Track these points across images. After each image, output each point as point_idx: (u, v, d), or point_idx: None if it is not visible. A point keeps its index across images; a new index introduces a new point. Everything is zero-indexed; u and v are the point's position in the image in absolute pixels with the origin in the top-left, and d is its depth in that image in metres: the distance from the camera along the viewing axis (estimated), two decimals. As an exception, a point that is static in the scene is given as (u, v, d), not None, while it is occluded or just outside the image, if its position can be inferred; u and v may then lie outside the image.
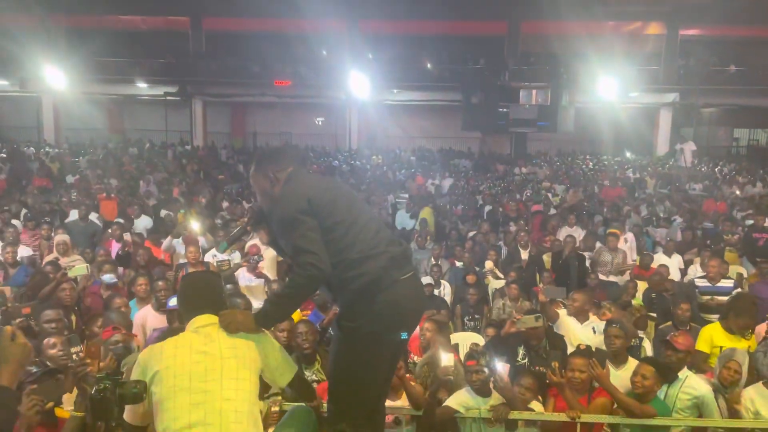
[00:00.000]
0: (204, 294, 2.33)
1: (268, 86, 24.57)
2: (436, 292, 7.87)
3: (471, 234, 11.02)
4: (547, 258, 9.21)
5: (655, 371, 3.99)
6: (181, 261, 7.16)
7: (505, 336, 4.97)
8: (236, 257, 6.73)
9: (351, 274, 2.37)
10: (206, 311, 2.27)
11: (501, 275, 8.66)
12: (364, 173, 19.66)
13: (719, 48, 26.43)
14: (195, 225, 7.71)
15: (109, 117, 28.05)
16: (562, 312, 5.86)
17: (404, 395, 4.02)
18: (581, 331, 5.52)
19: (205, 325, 2.22)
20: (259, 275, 6.88)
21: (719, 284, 6.77)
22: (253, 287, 6.67)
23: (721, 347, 4.83)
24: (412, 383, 3.99)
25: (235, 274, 6.75)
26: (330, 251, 2.37)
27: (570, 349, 4.80)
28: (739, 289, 6.96)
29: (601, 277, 8.55)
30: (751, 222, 10.58)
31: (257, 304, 6.02)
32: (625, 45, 24.91)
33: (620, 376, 4.37)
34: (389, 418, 3.96)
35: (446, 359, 3.90)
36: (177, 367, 2.09)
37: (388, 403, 3.94)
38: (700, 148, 24.43)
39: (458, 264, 9.10)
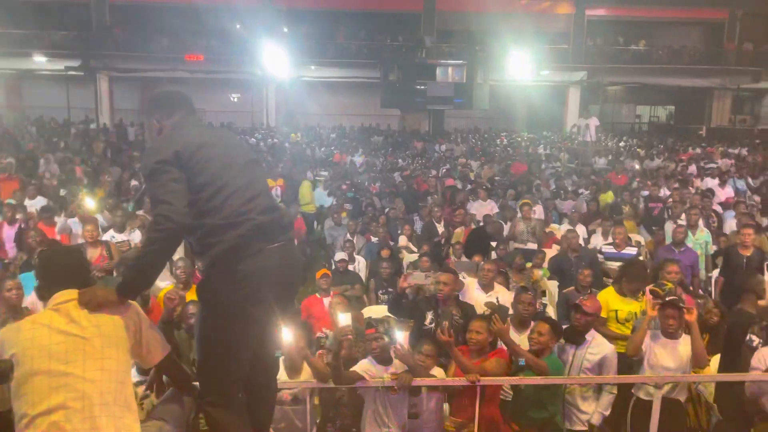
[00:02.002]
0: (64, 269, 2.18)
1: (178, 61, 23.57)
2: (350, 267, 7.89)
3: (387, 210, 11.16)
4: (459, 231, 9.42)
5: (550, 328, 4.18)
6: (80, 241, 6.79)
7: (414, 300, 5.07)
8: (136, 237, 6.43)
9: (211, 240, 2.25)
10: (68, 287, 2.13)
11: (415, 249, 8.78)
12: (282, 151, 19.37)
13: (624, 28, 27.73)
14: (90, 203, 7.30)
15: (6, 93, 26.10)
16: (469, 281, 6.03)
17: (304, 373, 4.01)
18: (486, 301, 5.70)
19: (66, 301, 2.08)
20: None
21: (624, 251, 7.16)
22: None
23: (616, 311, 5.12)
24: (314, 359, 4.00)
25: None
26: (193, 213, 2.24)
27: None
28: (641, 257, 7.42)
29: (518, 245, 8.84)
30: (647, 193, 11.22)
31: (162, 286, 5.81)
32: (537, 24, 25.64)
33: (523, 340, 4.57)
34: (286, 396, 3.94)
35: (343, 319, 3.91)
36: (35, 349, 1.95)
37: (286, 380, 3.91)
38: (605, 124, 25.67)
39: (374, 239, 9.15)
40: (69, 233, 7.28)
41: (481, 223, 9.33)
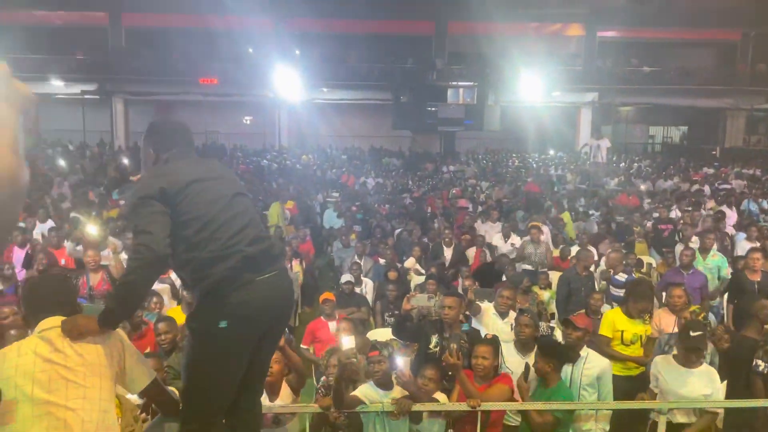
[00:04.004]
0: (48, 295, 2.19)
1: (193, 84, 23.93)
2: (357, 289, 7.86)
3: (397, 231, 11.16)
4: (470, 252, 9.39)
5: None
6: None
7: (419, 323, 5.04)
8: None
9: (200, 274, 2.27)
10: (54, 313, 2.14)
11: (423, 271, 8.74)
12: (293, 172, 19.50)
13: (635, 50, 27.77)
14: (92, 229, 7.36)
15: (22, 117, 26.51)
16: (486, 306, 5.98)
17: (282, 393, 3.98)
18: (501, 326, 5.65)
19: (50, 327, 2.09)
20: (164, 280, 6.51)
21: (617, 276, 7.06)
22: (159, 290, 6.41)
23: (622, 331, 5.06)
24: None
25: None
26: (182, 248, 2.27)
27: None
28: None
29: (526, 266, 8.78)
30: (657, 215, 11.13)
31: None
32: (548, 46, 25.77)
33: (525, 363, 4.51)
34: (267, 417, 3.91)
35: (347, 342, 3.89)
36: (18, 377, 1.95)
37: (267, 402, 3.89)
38: (618, 145, 25.60)
39: (381, 261, 9.13)
40: (77, 257, 7.34)
41: (492, 244, 9.31)
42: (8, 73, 1.22)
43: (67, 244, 7.51)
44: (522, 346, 4.88)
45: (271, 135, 27.46)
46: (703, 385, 4.20)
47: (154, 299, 5.79)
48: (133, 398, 3.45)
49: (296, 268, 8.60)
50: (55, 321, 2.12)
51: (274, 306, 2.39)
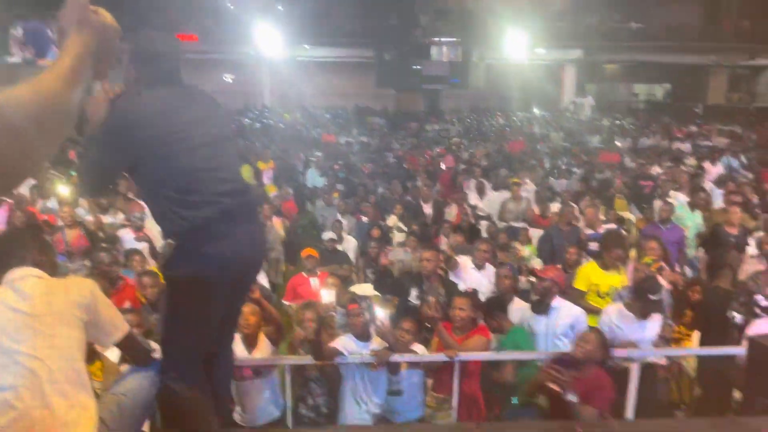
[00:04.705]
0: (15, 248, 2.16)
1: (171, 41, 23.32)
2: (339, 247, 7.89)
3: (380, 190, 11.19)
4: (451, 211, 9.43)
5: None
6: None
7: (399, 277, 5.11)
8: (119, 217, 6.40)
9: (176, 224, 2.22)
10: (23, 266, 2.13)
11: (405, 229, 8.79)
12: (275, 132, 19.30)
13: (620, 6, 27.42)
14: (63, 187, 7.25)
15: None
16: (463, 260, 6.06)
17: (260, 346, 4.03)
18: (479, 279, 5.75)
19: (21, 277, 2.08)
20: (141, 238, 6.40)
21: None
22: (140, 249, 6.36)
23: (597, 284, 5.15)
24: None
25: (120, 236, 6.41)
26: (160, 196, 2.23)
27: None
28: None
29: (505, 223, 8.85)
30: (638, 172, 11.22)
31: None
32: (533, 2, 25.35)
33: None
34: (247, 371, 3.96)
35: (327, 296, 3.93)
36: None
37: (244, 354, 3.94)
38: (602, 103, 25.54)
39: (364, 219, 9.16)
40: (50, 214, 7.26)
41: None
42: (86, 2, 1.23)
43: (39, 202, 7.42)
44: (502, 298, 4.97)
45: (252, 94, 27.02)
46: (652, 330, 4.31)
47: (136, 257, 5.76)
48: (113, 356, 3.48)
49: (278, 226, 8.59)
50: (25, 271, 2.11)
51: (248, 258, 2.38)
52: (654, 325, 4.36)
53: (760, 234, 6.69)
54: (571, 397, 3.34)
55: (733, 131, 18.41)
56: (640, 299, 4.29)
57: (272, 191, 10.88)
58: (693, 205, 7.58)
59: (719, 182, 9.97)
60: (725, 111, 24.34)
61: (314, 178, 12.58)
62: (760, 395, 3.14)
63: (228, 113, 2.62)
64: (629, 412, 4.00)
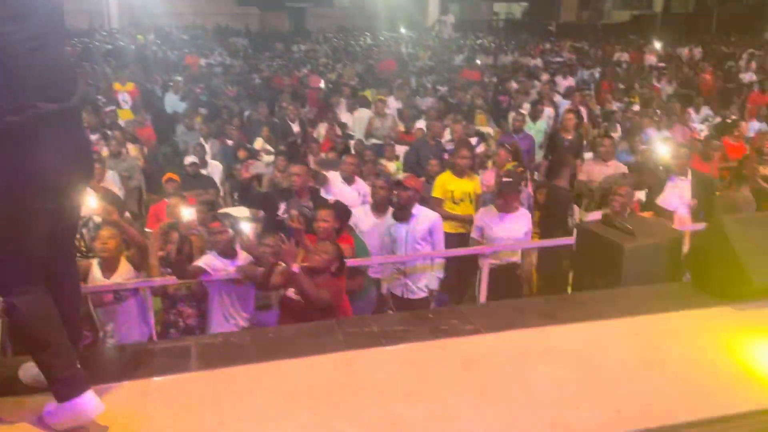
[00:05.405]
0: None
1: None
2: (203, 171, 7.65)
3: (246, 113, 10.86)
4: (318, 130, 9.42)
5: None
6: None
7: (267, 192, 5.09)
8: None
9: None
10: None
11: (273, 150, 8.67)
12: (128, 54, 17.81)
13: None
14: None
15: None
16: (332, 175, 6.13)
17: (120, 269, 3.93)
18: (348, 192, 5.86)
19: None
20: None
21: None
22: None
23: (452, 191, 5.47)
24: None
25: None
26: None
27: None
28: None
29: (372, 140, 9.00)
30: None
31: None
32: None
33: (378, 223, 4.91)
34: (107, 297, 3.86)
35: (188, 214, 3.85)
36: None
37: (104, 280, 3.84)
38: (464, 21, 26.08)
39: (229, 143, 8.90)
40: None
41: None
42: None
43: None
44: (377, 208, 5.14)
45: (98, 14, 24.53)
46: (521, 225, 4.73)
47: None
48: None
49: (134, 152, 8.12)
50: None
51: (71, 167, 2.21)
52: (522, 221, 4.74)
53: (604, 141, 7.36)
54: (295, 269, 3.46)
55: (582, 48, 19.67)
56: (504, 196, 4.62)
57: (128, 116, 10.19)
58: (533, 116, 8.16)
59: (566, 95, 10.73)
60: (575, 28, 25.85)
61: (174, 103, 11.90)
62: (587, 274, 3.58)
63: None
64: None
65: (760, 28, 23.70)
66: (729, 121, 8.65)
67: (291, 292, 3.61)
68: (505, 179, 4.80)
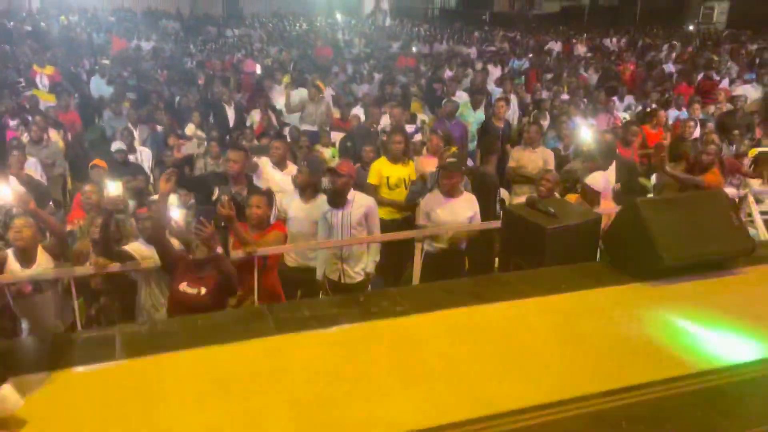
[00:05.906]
0: None
1: None
2: (132, 158, 7.41)
3: (177, 98, 10.56)
4: (254, 114, 9.30)
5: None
6: None
7: (203, 176, 5.00)
8: None
9: None
10: None
11: (204, 136, 8.49)
12: (50, 36, 16.92)
13: None
14: None
15: None
16: (263, 160, 6.05)
17: (40, 260, 3.79)
18: (279, 178, 5.81)
19: None
20: None
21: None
22: None
23: (387, 177, 5.52)
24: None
25: None
26: None
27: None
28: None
29: (307, 127, 8.92)
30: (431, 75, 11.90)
31: None
32: None
33: (307, 208, 4.88)
34: (26, 288, 3.72)
35: (113, 188, 3.73)
36: None
37: (20, 270, 3.71)
38: (401, 9, 26.13)
39: (159, 129, 8.64)
40: None
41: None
42: None
43: None
44: (303, 193, 5.11)
45: (17, -7, 23.16)
46: (467, 208, 4.82)
47: None
48: None
49: (55, 138, 7.75)
50: None
51: None
52: (466, 205, 4.82)
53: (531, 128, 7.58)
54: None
55: (514, 37, 20.09)
56: (449, 176, 4.70)
57: (50, 100, 9.71)
58: (474, 105, 8.29)
59: (499, 83, 10.96)
60: (508, 18, 26.35)
61: (100, 87, 11.42)
62: (512, 255, 3.71)
63: None
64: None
65: (681, 20, 24.90)
66: (648, 110, 9.06)
67: (183, 285, 3.52)
68: (449, 160, 4.84)
